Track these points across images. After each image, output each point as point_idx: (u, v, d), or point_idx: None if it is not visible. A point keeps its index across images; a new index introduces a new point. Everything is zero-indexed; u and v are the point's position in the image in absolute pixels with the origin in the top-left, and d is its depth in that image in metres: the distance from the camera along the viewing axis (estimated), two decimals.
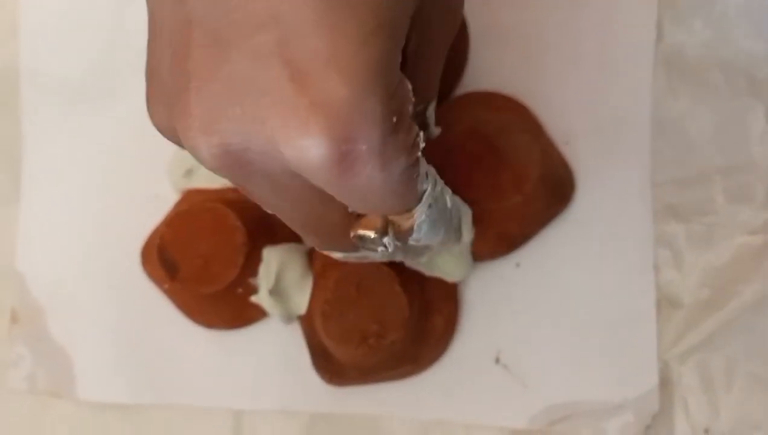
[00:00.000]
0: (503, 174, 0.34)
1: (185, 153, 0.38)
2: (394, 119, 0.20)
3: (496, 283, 0.37)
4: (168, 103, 0.21)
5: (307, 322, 0.36)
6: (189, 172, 0.37)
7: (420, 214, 0.25)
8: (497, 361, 0.37)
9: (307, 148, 0.19)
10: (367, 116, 0.19)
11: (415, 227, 0.25)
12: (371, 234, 0.26)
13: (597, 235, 0.36)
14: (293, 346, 0.37)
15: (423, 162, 0.23)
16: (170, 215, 0.36)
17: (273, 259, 0.36)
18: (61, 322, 0.39)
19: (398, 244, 0.26)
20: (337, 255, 0.29)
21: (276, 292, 0.35)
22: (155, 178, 0.39)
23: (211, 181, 0.37)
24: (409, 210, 0.24)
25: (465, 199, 0.34)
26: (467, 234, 0.33)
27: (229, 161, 0.21)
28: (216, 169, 0.21)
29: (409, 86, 0.21)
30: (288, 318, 0.36)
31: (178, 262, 0.35)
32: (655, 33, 0.37)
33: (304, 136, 0.19)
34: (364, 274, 0.34)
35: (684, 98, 0.37)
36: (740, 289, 0.35)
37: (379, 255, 0.27)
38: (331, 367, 0.36)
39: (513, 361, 0.36)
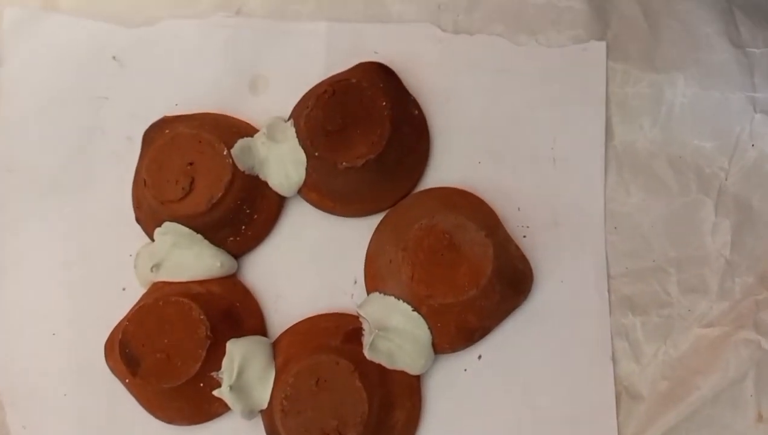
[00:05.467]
0: (459, 270, 0.35)
1: (153, 246, 0.39)
2: None
3: (459, 376, 0.37)
4: None
5: (268, 416, 0.36)
6: (156, 267, 0.38)
7: None
8: None
9: None
10: None
11: None
12: None
13: (556, 326, 0.37)
14: None
15: None
16: (134, 309, 0.37)
17: (236, 352, 0.36)
18: (21, 417, 0.39)
19: None
20: None
21: (238, 386, 0.35)
22: (123, 272, 0.40)
23: (177, 274, 0.38)
24: None
25: (423, 294, 0.35)
26: None
27: None
28: None
29: None
30: (250, 413, 0.36)
31: (139, 356, 0.35)
32: (604, 131, 0.39)
33: None
34: (324, 369, 0.34)
35: (636, 193, 0.38)
36: (699, 382, 0.35)
37: None
38: None
39: None
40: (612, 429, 0.35)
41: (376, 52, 0.41)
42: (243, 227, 0.39)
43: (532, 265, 0.38)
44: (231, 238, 0.39)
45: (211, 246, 0.38)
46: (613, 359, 0.36)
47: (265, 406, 0.36)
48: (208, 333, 0.35)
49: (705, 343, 0.36)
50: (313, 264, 0.39)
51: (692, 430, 0.35)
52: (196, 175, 0.37)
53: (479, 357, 0.37)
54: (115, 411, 0.38)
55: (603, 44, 0.40)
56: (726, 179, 0.38)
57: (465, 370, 0.37)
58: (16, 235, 0.41)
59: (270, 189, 0.39)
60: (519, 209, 0.39)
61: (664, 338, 0.36)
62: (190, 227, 0.38)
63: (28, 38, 0.44)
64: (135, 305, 0.38)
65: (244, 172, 0.37)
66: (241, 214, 0.38)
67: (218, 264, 0.38)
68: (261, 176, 0.38)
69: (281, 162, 0.38)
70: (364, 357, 0.35)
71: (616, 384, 0.36)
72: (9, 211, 0.42)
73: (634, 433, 0.35)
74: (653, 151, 0.39)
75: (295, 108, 0.39)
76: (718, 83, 0.39)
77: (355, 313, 0.37)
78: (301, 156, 0.38)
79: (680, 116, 0.39)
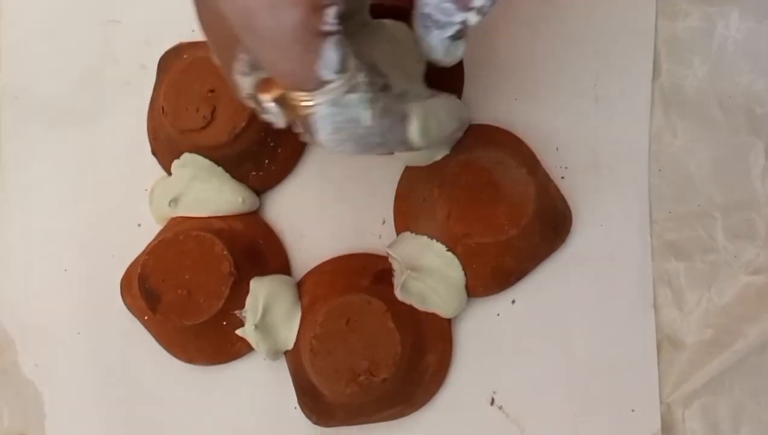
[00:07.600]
0: (499, 208, 0.33)
1: (170, 180, 0.37)
2: None
3: (492, 320, 0.36)
4: None
5: (294, 358, 0.34)
6: (174, 201, 0.36)
7: (318, 106, 0.24)
8: (492, 402, 0.35)
9: None
10: None
11: (313, 120, 0.24)
12: (266, 98, 0.25)
13: (595, 272, 0.35)
14: (279, 383, 0.35)
15: (333, 56, 0.23)
16: (153, 243, 0.35)
17: (260, 290, 0.34)
18: (33, 356, 0.37)
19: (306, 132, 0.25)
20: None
21: (263, 326, 0.34)
22: (138, 207, 0.38)
23: (197, 209, 0.36)
24: (304, 89, 0.24)
25: (460, 233, 0.33)
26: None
27: None
28: None
29: None
30: (274, 353, 0.34)
31: (159, 292, 0.33)
32: (652, 68, 0.37)
33: None
34: (355, 309, 0.32)
35: (683, 134, 0.36)
36: (745, 330, 0.34)
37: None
38: (319, 406, 0.34)
39: (508, 402, 0.35)
40: (653, 378, 0.34)
41: None
42: (266, 161, 0.37)
43: (571, 207, 0.36)
44: (253, 173, 0.37)
45: (233, 180, 0.36)
46: (655, 306, 0.35)
47: (290, 346, 0.34)
48: (232, 269, 0.33)
49: (752, 291, 0.34)
50: (338, 202, 0.37)
51: (736, 379, 0.34)
52: (218, 104, 0.35)
53: (513, 302, 0.36)
54: (129, 350, 0.37)
55: None
56: None
57: (498, 314, 0.36)
58: (25, 167, 0.39)
59: None
60: (557, 149, 0.37)
61: (708, 285, 0.35)
62: (210, 159, 0.36)
63: None
64: (153, 240, 0.36)
65: None
66: (264, 147, 0.36)
67: (240, 199, 0.36)
68: None
69: None
70: (395, 298, 0.34)
71: (657, 331, 0.34)
72: (16, 141, 0.40)
73: (675, 382, 0.34)
74: (702, 89, 0.36)
75: None
76: None
77: (384, 254, 0.35)
78: None
79: (733, 53, 0.37)
